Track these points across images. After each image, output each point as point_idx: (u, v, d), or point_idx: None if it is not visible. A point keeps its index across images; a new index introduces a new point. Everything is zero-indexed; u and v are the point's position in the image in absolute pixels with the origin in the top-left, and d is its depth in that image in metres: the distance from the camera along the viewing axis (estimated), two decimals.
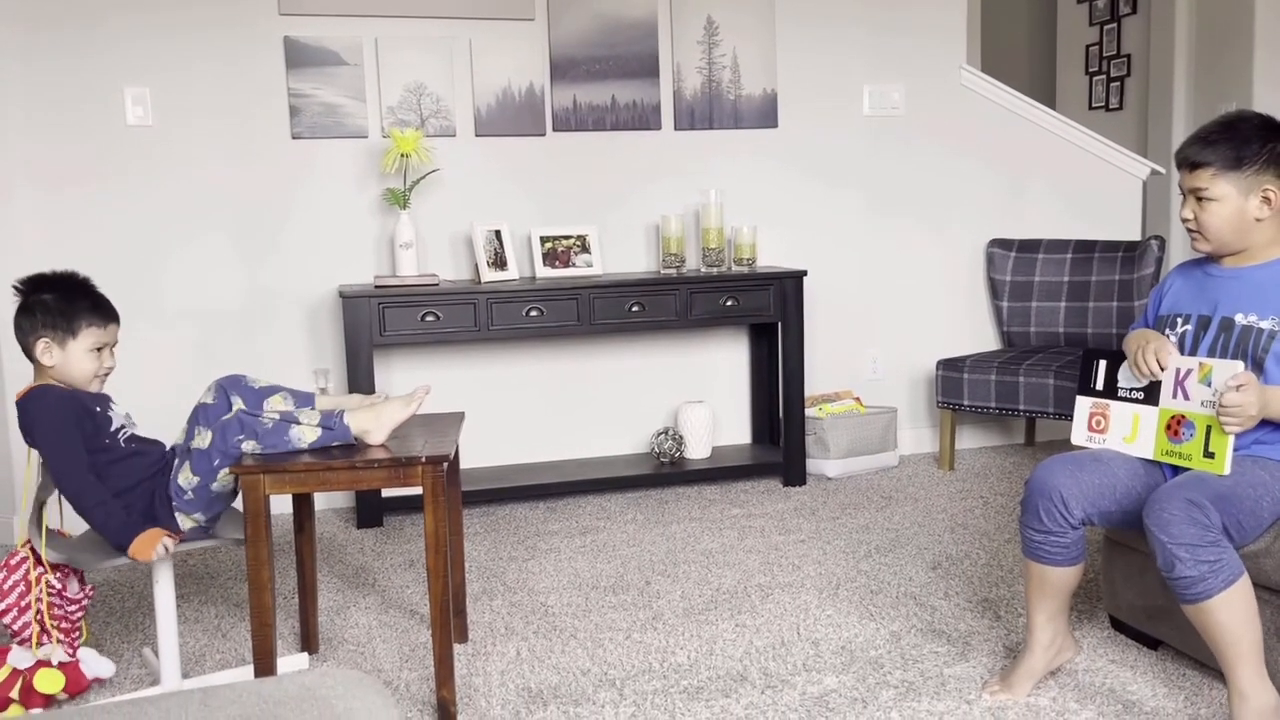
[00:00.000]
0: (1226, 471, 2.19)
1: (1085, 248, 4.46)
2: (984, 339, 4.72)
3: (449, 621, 2.32)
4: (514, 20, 4.09)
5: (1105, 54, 6.53)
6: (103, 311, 2.44)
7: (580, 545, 3.56)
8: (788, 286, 4.09)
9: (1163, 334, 2.40)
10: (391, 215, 4.02)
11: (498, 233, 4.02)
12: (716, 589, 3.13)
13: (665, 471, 4.13)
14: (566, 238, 4.13)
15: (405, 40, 3.99)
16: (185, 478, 2.37)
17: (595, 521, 3.80)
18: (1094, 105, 6.63)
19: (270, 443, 2.31)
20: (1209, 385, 2.23)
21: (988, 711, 2.35)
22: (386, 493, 3.88)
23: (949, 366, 4.29)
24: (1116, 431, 2.42)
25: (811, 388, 4.48)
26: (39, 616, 2.46)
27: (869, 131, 4.52)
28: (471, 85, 4.07)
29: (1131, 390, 2.40)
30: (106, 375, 2.46)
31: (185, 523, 2.41)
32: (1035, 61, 7.22)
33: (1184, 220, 2.36)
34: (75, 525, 2.51)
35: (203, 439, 2.37)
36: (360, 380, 3.71)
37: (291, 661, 2.68)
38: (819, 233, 4.49)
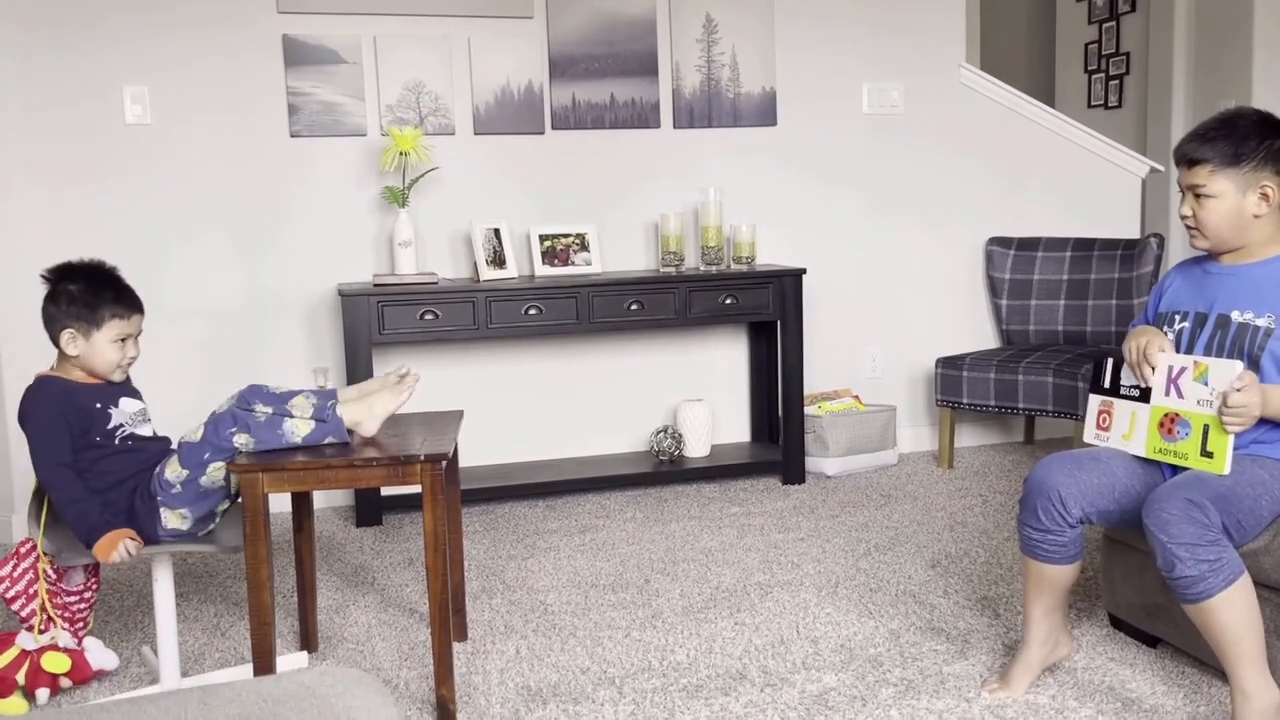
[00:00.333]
0: (1226, 471, 2.19)
1: (1084, 246, 4.46)
2: (983, 337, 4.72)
3: (448, 620, 2.32)
4: (513, 18, 4.09)
5: (1104, 52, 6.52)
6: (127, 302, 2.44)
7: (579, 544, 3.56)
8: (787, 285, 4.09)
9: (1161, 331, 2.40)
10: (390, 214, 4.02)
11: (496, 231, 4.02)
12: (716, 587, 3.13)
13: (664, 470, 4.13)
14: (565, 236, 4.13)
15: (404, 38, 3.98)
16: (173, 471, 2.34)
17: (594, 520, 3.80)
18: (1093, 103, 6.63)
19: (263, 436, 2.30)
20: (1205, 384, 2.23)
21: (987, 709, 2.35)
22: (386, 491, 3.88)
23: (948, 364, 4.29)
24: (1118, 429, 2.42)
25: (811, 386, 4.47)
26: (41, 604, 2.48)
27: (868, 130, 4.51)
28: (470, 83, 4.07)
29: (1131, 388, 2.41)
30: (130, 364, 2.46)
31: (170, 519, 2.37)
32: (1034, 60, 7.21)
33: (1182, 217, 2.36)
34: None
35: (195, 432, 2.36)
36: (359, 378, 3.70)
37: (291, 660, 2.68)
38: (818, 231, 4.49)
